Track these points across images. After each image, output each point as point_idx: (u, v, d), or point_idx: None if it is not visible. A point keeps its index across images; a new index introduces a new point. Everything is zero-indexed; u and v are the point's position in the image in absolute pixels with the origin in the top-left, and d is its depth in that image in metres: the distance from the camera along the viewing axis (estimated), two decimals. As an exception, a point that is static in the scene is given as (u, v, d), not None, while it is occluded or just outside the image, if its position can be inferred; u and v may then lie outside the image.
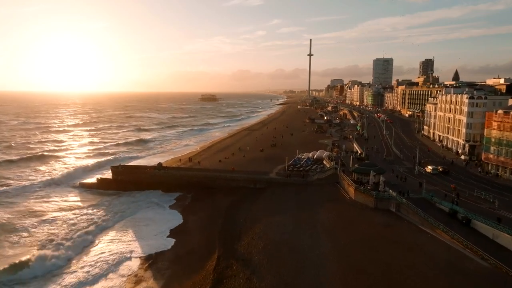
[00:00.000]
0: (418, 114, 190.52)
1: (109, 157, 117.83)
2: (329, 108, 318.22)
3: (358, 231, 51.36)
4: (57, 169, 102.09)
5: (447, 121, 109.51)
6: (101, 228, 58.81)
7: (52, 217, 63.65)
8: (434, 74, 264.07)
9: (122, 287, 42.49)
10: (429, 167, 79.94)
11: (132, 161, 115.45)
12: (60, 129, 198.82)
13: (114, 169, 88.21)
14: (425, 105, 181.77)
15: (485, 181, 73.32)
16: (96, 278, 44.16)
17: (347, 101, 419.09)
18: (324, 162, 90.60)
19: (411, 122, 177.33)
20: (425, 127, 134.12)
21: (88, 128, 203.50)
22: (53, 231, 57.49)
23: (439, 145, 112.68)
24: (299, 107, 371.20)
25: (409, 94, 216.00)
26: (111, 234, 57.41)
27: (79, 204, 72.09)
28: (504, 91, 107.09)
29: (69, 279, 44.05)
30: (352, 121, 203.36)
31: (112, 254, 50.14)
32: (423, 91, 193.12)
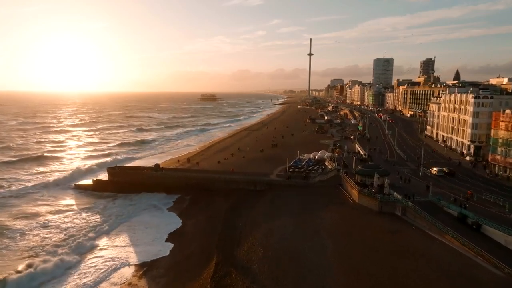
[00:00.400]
0: (420, 114, 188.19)
1: (107, 158, 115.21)
2: (330, 108, 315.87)
3: (363, 237, 49.02)
4: (54, 170, 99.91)
5: (451, 121, 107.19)
6: (95, 234, 56.22)
7: (43, 222, 61.30)
8: (435, 74, 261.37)
9: (115, 296, 40.28)
10: (435, 168, 77.57)
11: (131, 161, 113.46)
12: (59, 129, 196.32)
13: (111, 170, 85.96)
14: (427, 105, 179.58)
15: (493, 183, 70.90)
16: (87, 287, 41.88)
17: (347, 101, 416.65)
18: (326, 163, 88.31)
19: (413, 122, 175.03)
20: (428, 127, 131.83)
21: (87, 128, 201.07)
22: (44, 237, 55.16)
23: (443, 145, 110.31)
24: (299, 107, 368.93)
25: (410, 94, 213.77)
26: (105, 239, 55.03)
27: (73, 207, 69.64)
28: (510, 90, 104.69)
29: (58, 288, 41.81)
30: (353, 121, 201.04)
31: (105, 261, 47.86)
32: (425, 90, 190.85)
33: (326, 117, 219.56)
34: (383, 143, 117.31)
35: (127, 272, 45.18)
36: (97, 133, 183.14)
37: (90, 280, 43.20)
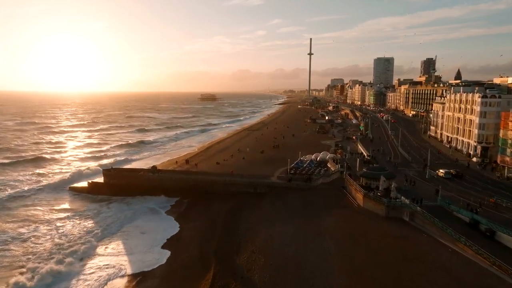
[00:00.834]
0: (422, 114, 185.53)
1: (106, 160, 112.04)
2: (330, 108, 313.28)
3: (371, 244, 46.31)
4: (50, 172, 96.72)
5: (457, 122, 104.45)
6: (87, 241, 52.96)
7: (34, 228, 58.44)
8: (436, 74, 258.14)
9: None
10: (441, 170, 74.82)
11: (130, 163, 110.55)
12: (57, 130, 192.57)
13: (106, 172, 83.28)
14: (430, 104, 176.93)
15: (504, 186, 68.12)
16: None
17: (348, 101, 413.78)
18: (328, 165, 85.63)
19: (415, 122, 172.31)
20: (432, 128, 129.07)
21: (87, 129, 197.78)
22: (32, 245, 52.00)
23: (448, 146, 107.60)
24: (299, 107, 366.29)
25: (412, 93, 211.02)
26: (98, 247, 51.97)
27: (66, 212, 66.35)
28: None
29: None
30: (354, 121, 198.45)
31: (98, 271, 45.08)
32: (427, 90, 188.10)
33: (327, 117, 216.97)
34: (386, 144, 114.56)
35: (120, 283, 42.47)
36: (96, 133, 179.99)
37: (79, 293, 40.51)
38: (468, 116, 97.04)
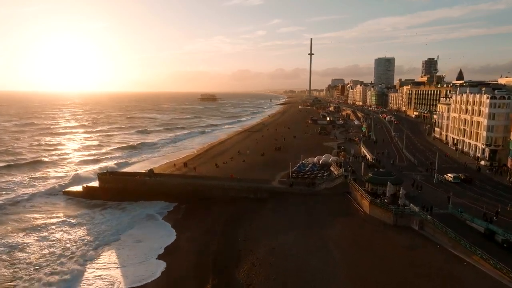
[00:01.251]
0: (425, 114, 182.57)
1: (104, 163, 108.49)
2: (331, 108, 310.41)
3: (379, 255, 43.40)
4: (44, 176, 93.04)
5: (463, 123, 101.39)
6: (77, 253, 49.83)
7: (22, 235, 55.51)
8: (438, 74, 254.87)
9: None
10: (450, 174, 71.74)
11: (129, 166, 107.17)
12: (56, 131, 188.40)
13: (101, 176, 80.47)
14: (433, 105, 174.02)
15: (516, 191, 65.05)
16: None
17: (349, 101, 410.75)
18: (332, 169, 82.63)
19: (419, 123, 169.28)
20: (437, 129, 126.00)
21: (86, 130, 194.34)
22: (19, 257, 48.49)
23: (454, 148, 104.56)
24: (300, 107, 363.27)
25: (415, 94, 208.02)
26: (89, 259, 48.55)
27: (58, 219, 62.98)
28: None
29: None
30: (356, 122, 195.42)
31: (86, 286, 42.15)
32: (431, 90, 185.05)
33: (328, 118, 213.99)
34: (390, 146, 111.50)
35: (111, 299, 39.57)
36: (96, 135, 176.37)
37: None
38: (475, 118, 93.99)
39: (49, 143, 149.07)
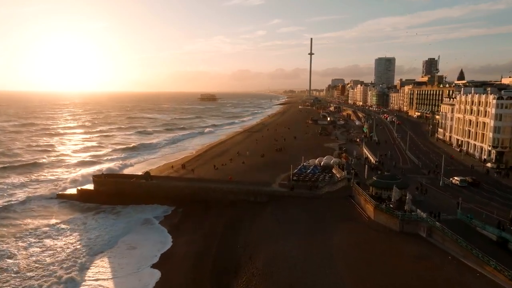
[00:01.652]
0: (427, 115, 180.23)
1: (102, 165, 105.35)
2: (331, 109, 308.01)
3: (386, 265, 40.91)
4: (40, 179, 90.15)
5: (468, 124, 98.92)
6: (66, 263, 47.15)
7: (11, 242, 52.99)
8: (439, 74, 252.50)
9: None
10: (456, 178, 69.27)
11: (127, 167, 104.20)
12: (54, 132, 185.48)
13: (96, 179, 78.00)
14: (435, 105, 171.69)
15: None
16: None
17: (349, 101, 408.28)
18: (334, 171, 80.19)
19: (421, 124, 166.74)
20: (440, 130, 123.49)
21: (85, 131, 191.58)
22: (4, 268, 45.99)
23: (458, 150, 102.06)
24: (300, 107, 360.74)
25: (417, 94, 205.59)
26: (79, 269, 45.87)
27: (49, 225, 60.24)
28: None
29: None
30: (357, 122, 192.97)
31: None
32: (433, 91, 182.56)
33: (329, 118, 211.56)
34: (393, 148, 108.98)
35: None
36: (95, 135, 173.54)
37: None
38: (481, 119, 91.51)
39: (47, 144, 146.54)
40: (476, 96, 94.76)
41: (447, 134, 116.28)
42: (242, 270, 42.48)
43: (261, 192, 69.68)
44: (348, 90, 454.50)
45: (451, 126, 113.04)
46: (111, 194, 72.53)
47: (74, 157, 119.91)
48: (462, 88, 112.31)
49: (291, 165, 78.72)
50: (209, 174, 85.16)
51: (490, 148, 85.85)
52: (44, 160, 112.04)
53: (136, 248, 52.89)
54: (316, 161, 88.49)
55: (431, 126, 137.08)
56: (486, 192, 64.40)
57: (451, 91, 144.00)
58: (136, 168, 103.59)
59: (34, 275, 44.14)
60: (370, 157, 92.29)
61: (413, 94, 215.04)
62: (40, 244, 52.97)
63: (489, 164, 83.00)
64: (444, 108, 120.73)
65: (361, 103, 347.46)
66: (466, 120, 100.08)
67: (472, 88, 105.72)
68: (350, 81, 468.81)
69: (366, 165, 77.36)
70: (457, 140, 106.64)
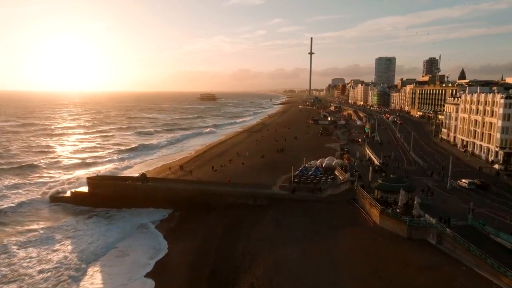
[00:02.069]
0: (429, 115, 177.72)
1: (100, 167, 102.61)
2: (332, 108, 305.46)
3: (393, 275, 38.35)
4: (35, 181, 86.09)
5: (474, 124, 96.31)
6: (51, 271, 44.38)
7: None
8: (440, 73, 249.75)
9: None
10: (464, 180, 66.64)
11: (126, 169, 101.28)
12: (53, 132, 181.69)
13: (90, 181, 75.20)
14: (438, 105, 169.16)
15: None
16: None
17: (350, 101, 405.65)
18: (336, 173, 77.57)
19: (424, 124, 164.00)
20: (444, 130, 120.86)
21: (84, 131, 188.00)
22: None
23: (463, 150, 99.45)
24: (300, 107, 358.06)
25: (419, 93, 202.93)
26: (68, 280, 43.08)
27: (39, 230, 57.64)
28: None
29: None
30: (358, 122, 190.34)
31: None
32: (435, 90, 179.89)
33: (329, 118, 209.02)
34: (396, 148, 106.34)
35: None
36: (94, 136, 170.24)
37: None
38: (487, 119, 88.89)
39: (45, 144, 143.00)
40: (482, 95, 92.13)
41: (452, 134, 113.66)
42: (241, 280, 39.90)
43: (261, 195, 67.15)
44: (348, 90, 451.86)
45: (455, 126, 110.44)
46: (106, 197, 69.79)
47: (72, 158, 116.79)
48: (467, 88, 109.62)
49: (292, 166, 76.21)
50: (207, 176, 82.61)
51: (497, 149, 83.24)
52: (40, 162, 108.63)
53: (130, 255, 50.36)
54: (318, 162, 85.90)
55: (434, 126, 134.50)
56: (496, 195, 61.74)
57: (454, 91, 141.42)
58: (135, 169, 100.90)
59: (14, 279, 41.48)
60: (374, 159, 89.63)
61: (415, 93, 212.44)
62: (25, 251, 49.76)
63: (496, 166, 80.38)
64: (448, 107, 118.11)
65: (361, 103, 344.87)
66: (472, 120, 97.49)
67: (478, 87, 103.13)
68: (351, 81, 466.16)
69: (370, 167, 74.70)
70: (462, 140, 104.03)
